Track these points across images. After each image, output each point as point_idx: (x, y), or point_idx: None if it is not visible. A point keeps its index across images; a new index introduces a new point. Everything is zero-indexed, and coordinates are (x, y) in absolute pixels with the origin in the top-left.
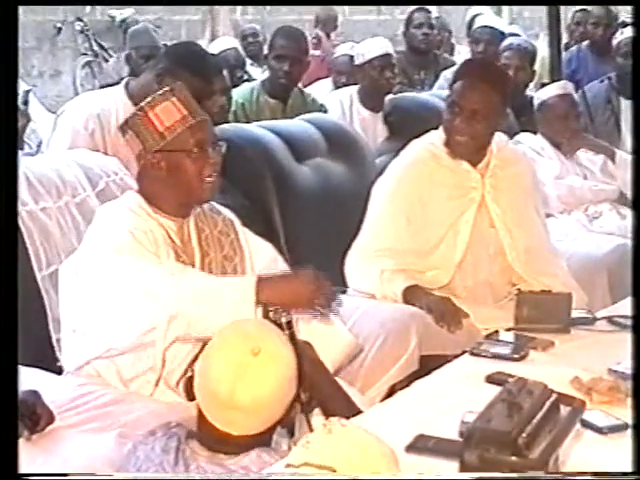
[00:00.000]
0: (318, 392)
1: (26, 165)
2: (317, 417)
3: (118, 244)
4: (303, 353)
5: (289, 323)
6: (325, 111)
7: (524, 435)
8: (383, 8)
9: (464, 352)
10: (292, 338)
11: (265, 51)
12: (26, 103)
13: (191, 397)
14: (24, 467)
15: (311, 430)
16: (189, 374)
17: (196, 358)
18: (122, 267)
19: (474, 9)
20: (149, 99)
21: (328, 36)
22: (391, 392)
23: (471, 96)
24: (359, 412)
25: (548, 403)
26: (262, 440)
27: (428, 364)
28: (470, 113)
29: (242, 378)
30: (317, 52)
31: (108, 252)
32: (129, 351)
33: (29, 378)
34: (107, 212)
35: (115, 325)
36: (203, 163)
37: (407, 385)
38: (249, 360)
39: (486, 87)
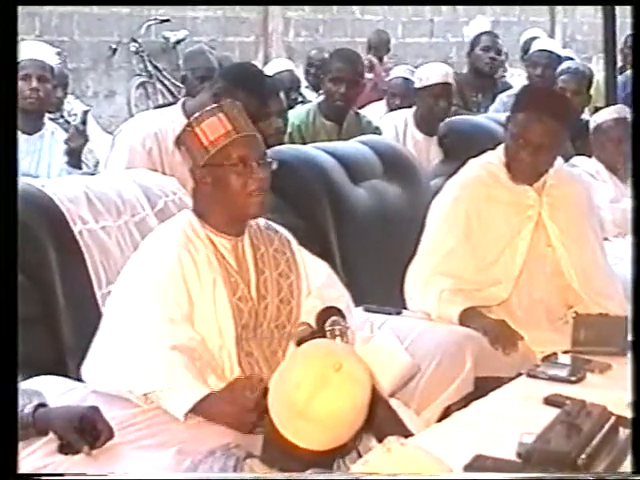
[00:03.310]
0: (371, 415)
1: (86, 184)
2: None
3: (143, 287)
4: None
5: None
6: (380, 133)
7: (583, 456)
8: (435, 30)
9: (520, 374)
10: None
11: None
12: (84, 123)
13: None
14: None
15: (357, 450)
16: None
17: None
18: (133, 314)
19: (529, 32)
20: (197, 114)
21: (381, 60)
22: (446, 413)
23: (537, 129)
24: (411, 435)
25: (607, 425)
26: (324, 461)
27: (483, 386)
28: (536, 146)
29: (321, 390)
30: (370, 75)
31: (130, 293)
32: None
33: (90, 394)
34: (156, 235)
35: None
36: (247, 178)
37: (462, 406)
38: (330, 374)
39: (552, 120)
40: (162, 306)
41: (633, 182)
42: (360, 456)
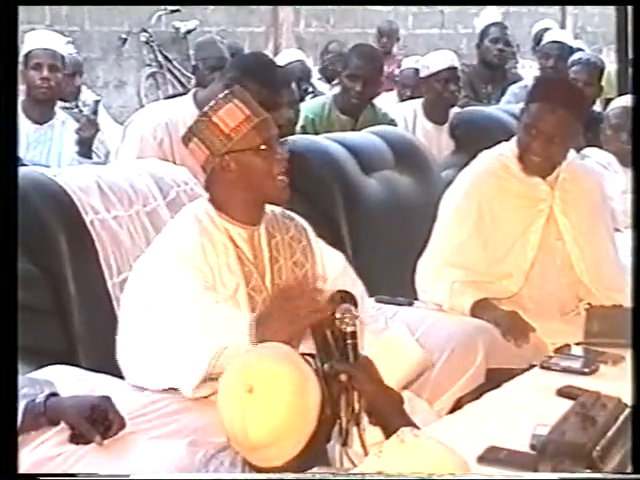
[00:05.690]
0: (375, 409)
1: (98, 174)
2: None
3: (166, 270)
4: (363, 368)
5: (353, 334)
6: (396, 125)
7: (598, 448)
8: (446, 22)
9: (533, 365)
10: (354, 349)
11: None
12: (95, 113)
13: None
14: (95, 471)
15: (362, 441)
16: None
17: None
18: (162, 301)
19: (541, 24)
20: (212, 104)
21: (390, 51)
22: (458, 405)
23: (550, 120)
24: (418, 429)
25: (622, 417)
26: (312, 455)
27: (494, 377)
28: (548, 137)
29: (248, 418)
30: None
31: (155, 280)
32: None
33: (101, 384)
34: (173, 225)
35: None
36: (272, 160)
37: (474, 398)
38: (247, 398)
39: (565, 111)
40: (193, 277)
41: (634, 176)
42: (365, 449)
